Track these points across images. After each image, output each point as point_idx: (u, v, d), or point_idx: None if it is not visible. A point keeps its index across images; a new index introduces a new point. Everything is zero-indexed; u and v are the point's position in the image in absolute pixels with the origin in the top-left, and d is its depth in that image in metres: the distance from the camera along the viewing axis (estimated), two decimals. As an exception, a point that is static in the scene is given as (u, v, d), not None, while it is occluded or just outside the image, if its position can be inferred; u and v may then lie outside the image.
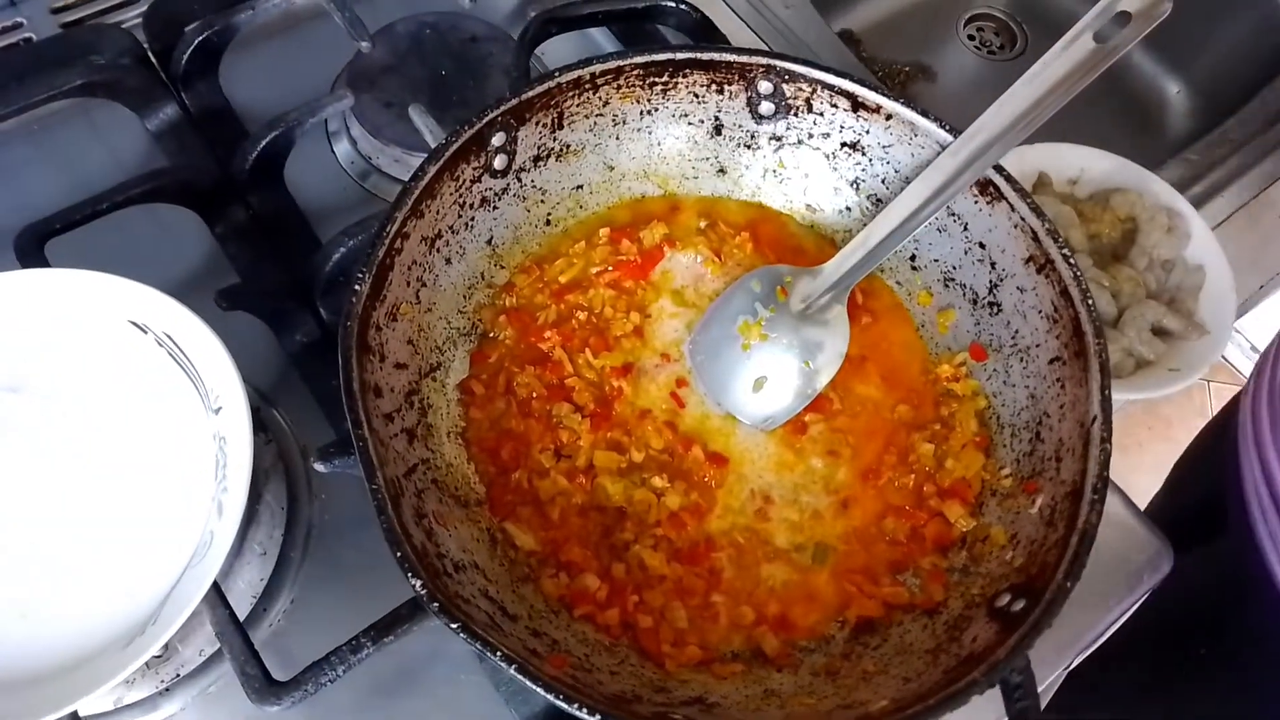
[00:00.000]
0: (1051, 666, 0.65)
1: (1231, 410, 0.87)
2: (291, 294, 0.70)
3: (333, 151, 0.79)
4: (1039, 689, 0.52)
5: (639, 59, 0.63)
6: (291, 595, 0.63)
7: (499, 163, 0.62)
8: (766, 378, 0.62)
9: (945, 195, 0.58)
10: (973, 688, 0.45)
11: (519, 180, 0.64)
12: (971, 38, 1.25)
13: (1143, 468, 1.04)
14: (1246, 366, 1.91)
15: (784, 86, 0.64)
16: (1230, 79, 1.15)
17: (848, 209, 0.68)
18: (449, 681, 0.61)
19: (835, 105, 0.64)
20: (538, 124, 0.63)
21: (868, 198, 0.67)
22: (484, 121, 0.59)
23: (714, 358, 0.63)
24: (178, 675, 0.59)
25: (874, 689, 0.50)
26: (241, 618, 0.58)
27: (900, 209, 0.59)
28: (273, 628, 0.62)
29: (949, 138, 0.60)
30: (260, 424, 0.66)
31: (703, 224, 0.68)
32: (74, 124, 0.77)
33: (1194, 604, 0.85)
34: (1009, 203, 0.59)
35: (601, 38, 0.88)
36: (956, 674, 0.47)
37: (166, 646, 0.58)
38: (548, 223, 0.67)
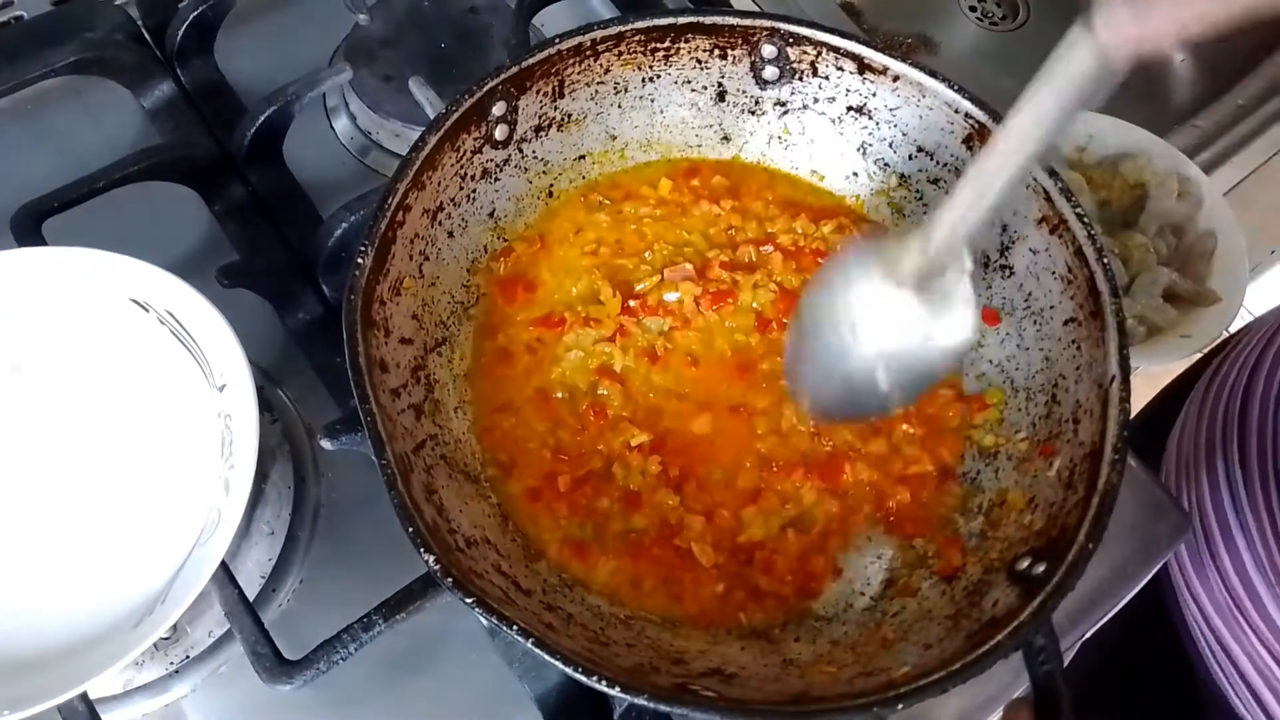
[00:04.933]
0: (1068, 637, 0.64)
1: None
2: (293, 271, 0.69)
3: (332, 127, 0.78)
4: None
5: (640, 24, 0.62)
6: (300, 575, 0.63)
7: (500, 133, 0.61)
8: (877, 369, 0.48)
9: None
10: (997, 651, 0.44)
11: (520, 151, 0.63)
12: (973, 8, 1.24)
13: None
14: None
15: (788, 50, 0.63)
16: (1235, 46, 1.14)
17: (854, 174, 0.67)
18: (461, 659, 0.61)
19: (841, 68, 0.63)
20: (538, 93, 0.61)
21: (875, 162, 0.66)
22: (484, 90, 0.58)
23: (821, 372, 0.50)
24: (187, 657, 0.58)
25: (894, 656, 0.49)
26: (250, 598, 0.58)
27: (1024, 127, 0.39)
28: (282, 608, 0.62)
29: (958, 98, 0.60)
30: (265, 403, 0.65)
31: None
32: (68, 103, 0.76)
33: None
34: (1021, 163, 0.58)
35: (600, 6, 0.87)
36: (979, 639, 0.46)
37: (175, 628, 0.58)
38: (550, 194, 0.66)
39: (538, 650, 0.44)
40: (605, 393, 0.59)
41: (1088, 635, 0.66)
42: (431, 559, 0.45)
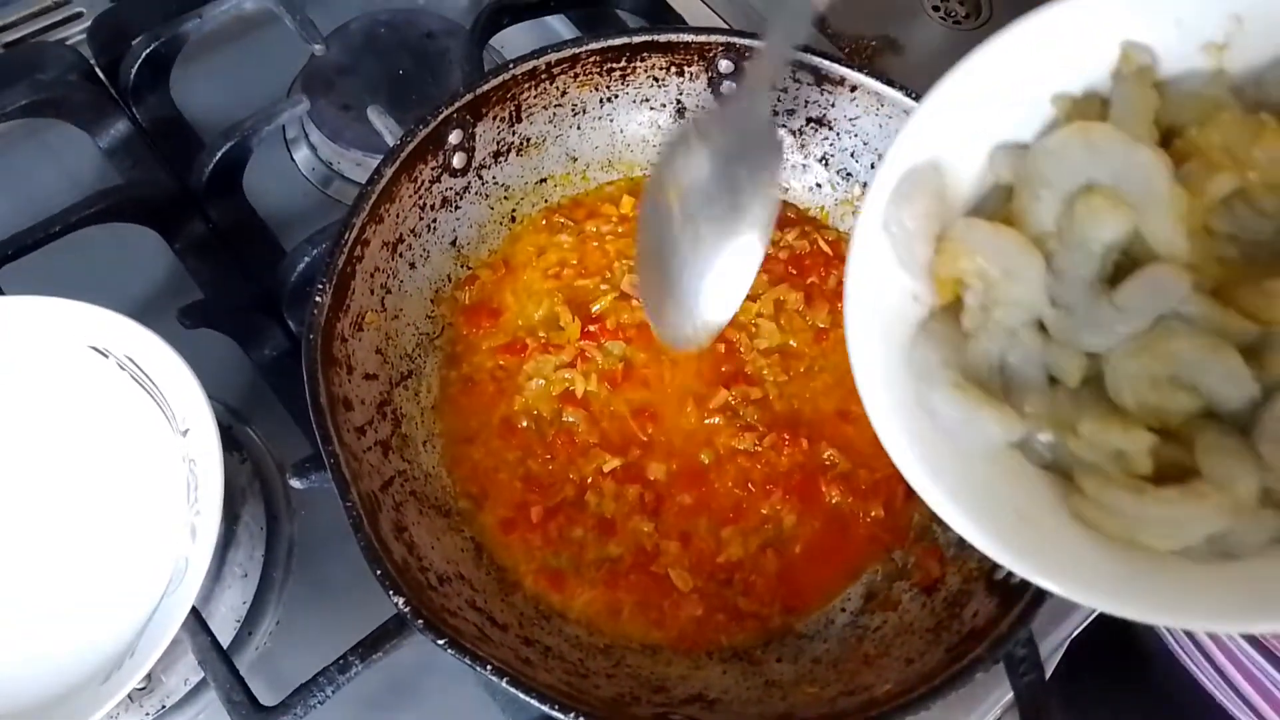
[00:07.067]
0: (1052, 639, 0.64)
1: None
2: (258, 307, 0.68)
3: (293, 159, 0.77)
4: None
5: (595, 45, 0.61)
6: (277, 616, 0.62)
7: (458, 161, 0.60)
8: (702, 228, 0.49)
9: None
10: (977, 665, 0.44)
11: (480, 178, 0.63)
12: (936, 8, 1.24)
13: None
14: None
15: (745, 64, 0.63)
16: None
17: (818, 185, 0.66)
18: (443, 692, 0.60)
19: (799, 80, 0.63)
20: (495, 118, 0.61)
21: (837, 172, 0.65)
22: (439, 119, 0.58)
23: (662, 266, 0.51)
24: (163, 707, 0.57)
25: (877, 672, 0.49)
26: (226, 642, 0.57)
27: None
28: (259, 650, 0.61)
29: (915, 105, 0.59)
30: (234, 442, 0.64)
31: None
32: (23, 145, 0.75)
33: None
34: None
35: (560, 25, 0.86)
36: (959, 651, 0.46)
37: (150, 677, 0.57)
38: (513, 219, 0.65)
39: (512, 688, 0.43)
40: (571, 419, 0.58)
41: (1075, 632, 0.66)
42: (401, 600, 0.45)
